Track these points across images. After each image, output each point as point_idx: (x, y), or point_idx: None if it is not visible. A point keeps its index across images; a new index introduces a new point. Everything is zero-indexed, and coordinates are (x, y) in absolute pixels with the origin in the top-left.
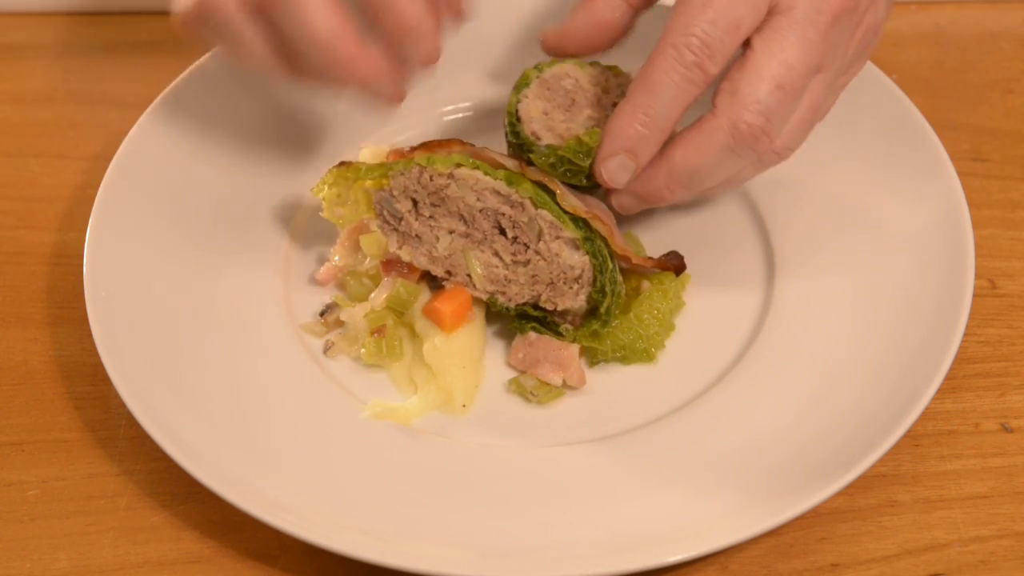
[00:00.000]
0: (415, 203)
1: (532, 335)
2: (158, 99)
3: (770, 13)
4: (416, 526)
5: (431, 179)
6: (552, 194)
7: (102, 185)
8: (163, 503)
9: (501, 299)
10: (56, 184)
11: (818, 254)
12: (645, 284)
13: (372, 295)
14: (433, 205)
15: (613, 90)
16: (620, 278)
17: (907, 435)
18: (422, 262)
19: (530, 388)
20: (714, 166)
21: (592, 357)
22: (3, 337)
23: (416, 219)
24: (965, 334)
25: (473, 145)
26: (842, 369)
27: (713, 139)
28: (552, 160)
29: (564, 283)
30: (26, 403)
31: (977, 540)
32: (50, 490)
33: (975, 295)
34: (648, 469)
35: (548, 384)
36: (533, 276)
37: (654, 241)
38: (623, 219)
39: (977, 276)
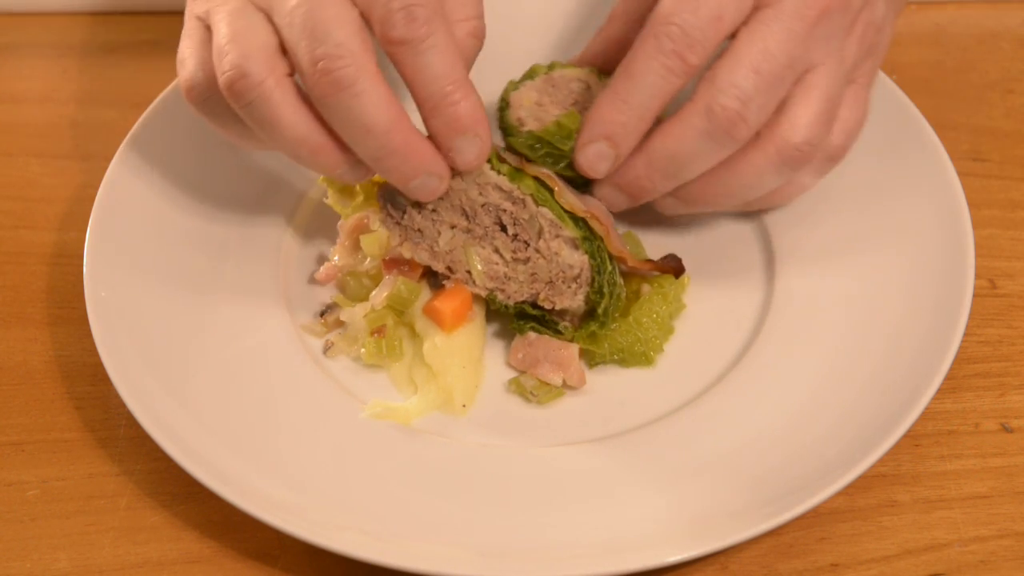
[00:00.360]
0: None
1: (532, 335)
2: (158, 99)
3: (757, 7)
4: (416, 526)
5: None
6: (551, 191)
7: (102, 185)
8: (163, 503)
9: (500, 296)
10: (56, 184)
11: (818, 254)
12: (645, 287)
13: (372, 294)
14: (436, 199)
15: None
16: (620, 280)
17: (907, 435)
18: (423, 257)
19: (530, 388)
20: (693, 152)
21: (591, 359)
22: (3, 337)
23: (419, 213)
24: (965, 334)
25: None
26: (842, 369)
27: (689, 123)
28: (530, 142)
29: (563, 282)
30: (26, 403)
31: (977, 540)
32: (50, 490)
33: (975, 295)
34: (648, 469)
35: (548, 384)
36: (532, 274)
37: (654, 241)
38: (624, 218)
39: (977, 276)
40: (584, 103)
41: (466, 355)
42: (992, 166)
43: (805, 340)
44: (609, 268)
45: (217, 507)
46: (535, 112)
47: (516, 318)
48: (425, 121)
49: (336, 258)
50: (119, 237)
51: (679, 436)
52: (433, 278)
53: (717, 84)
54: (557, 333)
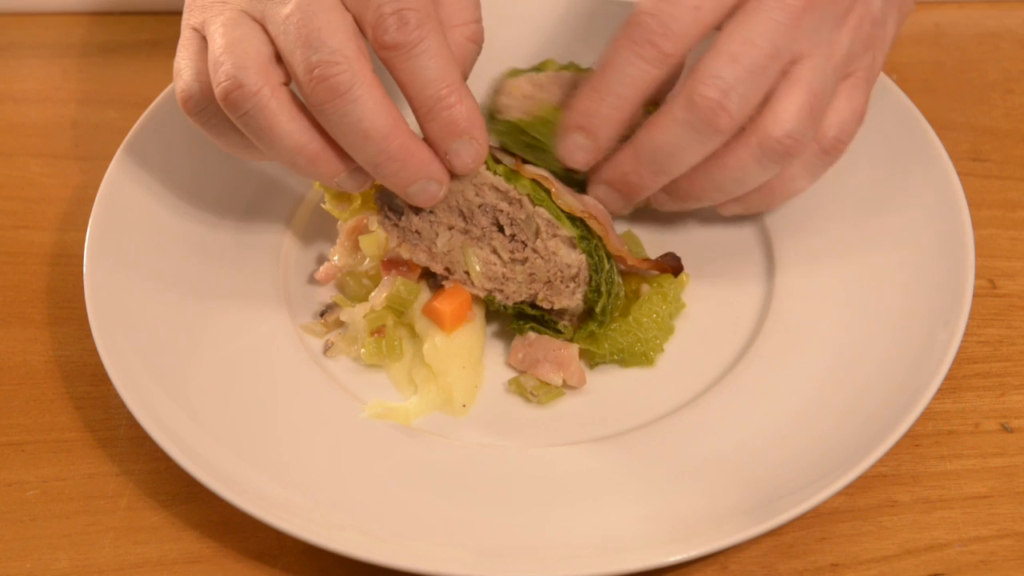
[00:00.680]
0: None
1: (532, 335)
2: (158, 99)
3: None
4: (416, 526)
5: None
6: (547, 192)
7: (102, 185)
8: (163, 503)
9: (499, 297)
10: (56, 184)
11: (818, 254)
12: (645, 287)
13: (372, 295)
14: (422, 206)
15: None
16: (618, 279)
17: (907, 435)
18: (421, 259)
19: (530, 388)
20: (677, 144)
21: (591, 359)
22: (3, 337)
23: (416, 214)
24: (965, 334)
25: None
26: (842, 369)
27: (672, 115)
28: (502, 128)
29: (561, 282)
30: (26, 403)
31: (977, 540)
32: (50, 490)
33: (975, 295)
34: (648, 469)
35: (548, 384)
36: (530, 274)
37: (654, 241)
38: (624, 217)
39: (977, 276)
40: None
41: (466, 355)
42: (992, 166)
43: (805, 340)
44: (607, 267)
45: (217, 507)
46: (521, 103)
47: (515, 318)
48: (421, 125)
49: (336, 258)
50: (119, 237)
51: (679, 436)
52: (432, 278)
53: (697, 75)
54: (556, 333)
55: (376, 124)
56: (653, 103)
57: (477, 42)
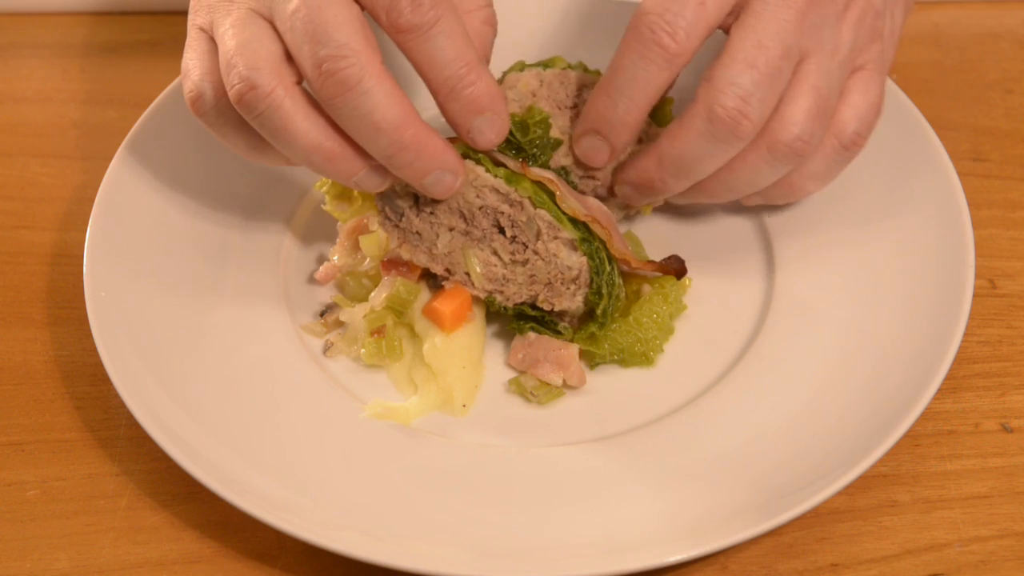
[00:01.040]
0: (416, 199)
1: (532, 335)
2: (159, 98)
3: (746, 1)
4: (416, 526)
5: None
6: (551, 195)
7: (102, 185)
8: (163, 503)
9: (499, 298)
10: (56, 184)
11: (818, 255)
12: (646, 288)
13: (372, 295)
14: (434, 201)
15: None
16: (619, 281)
17: (907, 435)
18: (422, 260)
19: (530, 388)
20: (700, 154)
21: (591, 359)
22: (3, 337)
23: (417, 215)
24: (965, 334)
25: None
26: (842, 369)
27: (693, 126)
28: None
29: (561, 283)
30: (26, 403)
31: (977, 540)
32: (50, 490)
33: (975, 295)
34: (648, 469)
35: (548, 384)
36: (531, 276)
37: (655, 242)
38: (625, 218)
39: (977, 276)
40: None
41: (466, 355)
42: (992, 166)
43: (805, 340)
44: (608, 269)
45: (217, 507)
46: (523, 99)
47: (515, 319)
48: (442, 106)
49: (336, 258)
50: (119, 237)
51: (679, 436)
52: (432, 279)
53: (716, 84)
54: (557, 334)
55: (387, 116)
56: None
57: (492, 25)
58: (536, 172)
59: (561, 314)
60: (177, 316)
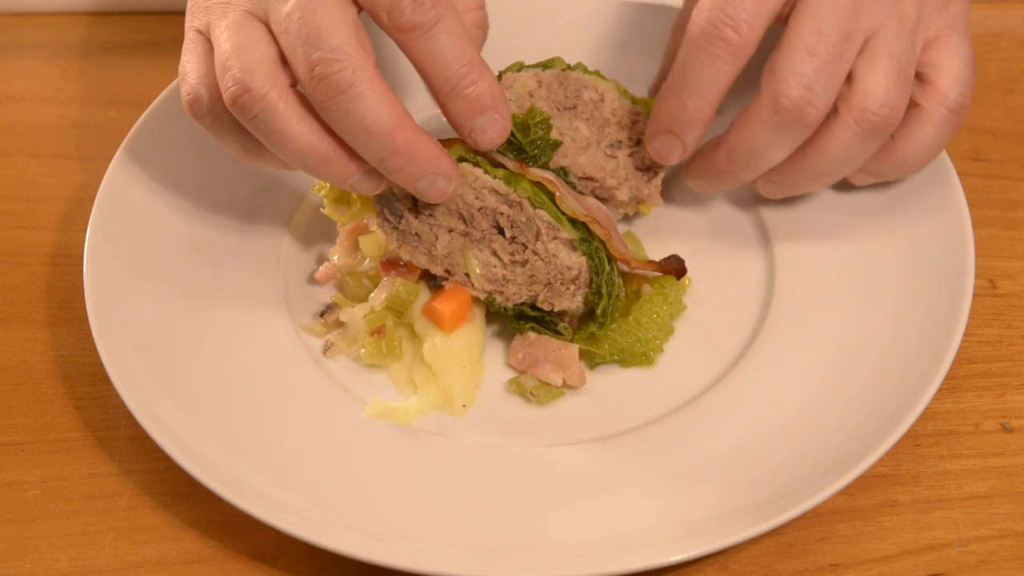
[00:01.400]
0: (415, 201)
1: (532, 335)
2: (158, 99)
3: None
4: (416, 526)
5: None
6: (551, 196)
7: (102, 185)
8: (163, 503)
9: (499, 299)
10: (56, 184)
11: (818, 254)
12: (646, 288)
13: (372, 295)
14: (432, 203)
15: (625, 130)
16: (619, 280)
17: (907, 435)
18: (421, 261)
19: (530, 388)
20: (767, 144)
21: (591, 359)
22: (3, 337)
23: (416, 217)
24: (965, 334)
25: None
26: (842, 369)
27: (759, 118)
28: None
29: (561, 284)
30: (26, 403)
31: (977, 540)
32: (50, 490)
33: (975, 295)
34: (648, 469)
35: (548, 384)
36: (531, 276)
37: (655, 242)
38: (624, 219)
39: (977, 276)
40: (583, 112)
41: (466, 355)
42: (992, 166)
43: (805, 340)
44: (607, 269)
45: (217, 507)
46: (520, 99)
47: (515, 319)
48: (443, 106)
49: (335, 258)
50: (119, 237)
51: (679, 436)
52: (432, 279)
53: (778, 75)
54: (556, 334)
55: (380, 119)
56: None
57: (483, 28)
58: (535, 173)
59: (561, 314)
60: (177, 316)
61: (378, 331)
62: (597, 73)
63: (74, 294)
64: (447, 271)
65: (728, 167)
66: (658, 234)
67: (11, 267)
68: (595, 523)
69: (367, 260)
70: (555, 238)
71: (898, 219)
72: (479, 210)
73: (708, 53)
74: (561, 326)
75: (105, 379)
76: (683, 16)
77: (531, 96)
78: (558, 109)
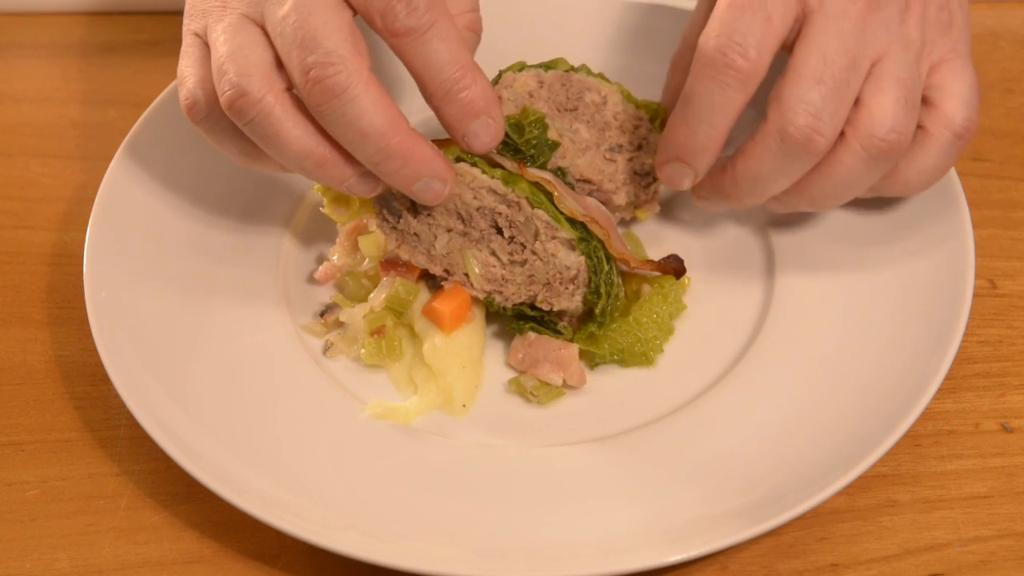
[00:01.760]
0: (414, 201)
1: (531, 335)
2: (158, 99)
3: (805, 14)
4: (415, 526)
5: None
6: (550, 195)
7: (102, 185)
8: (163, 503)
9: (498, 299)
10: (56, 184)
11: (818, 254)
12: (646, 287)
13: (371, 296)
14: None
15: (626, 135)
16: (618, 280)
17: (907, 435)
18: (420, 261)
19: (530, 388)
20: (773, 172)
21: (591, 359)
22: (3, 337)
23: (414, 217)
24: (965, 334)
25: None
26: (842, 369)
27: (766, 146)
28: None
29: (560, 284)
30: (26, 403)
31: (977, 540)
32: (50, 490)
33: (975, 295)
34: (648, 469)
35: (548, 384)
36: (530, 276)
37: (655, 242)
38: (624, 221)
39: (977, 276)
40: (584, 114)
41: (466, 355)
42: (992, 166)
43: (805, 340)
44: (606, 268)
45: (217, 507)
46: (519, 99)
47: (515, 319)
48: (437, 110)
49: (335, 258)
50: (119, 237)
51: (679, 436)
52: (431, 279)
53: (785, 103)
54: (556, 334)
55: (374, 122)
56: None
57: (476, 31)
58: (534, 173)
59: (560, 314)
60: (177, 316)
61: (378, 331)
62: (601, 76)
63: (74, 294)
64: (446, 271)
65: (735, 194)
66: (658, 234)
67: (11, 267)
68: (595, 523)
69: (367, 260)
70: (553, 238)
71: (898, 219)
72: (477, 210)
73: (717, 81)
74: (561, 326)
75: (105, 379)
76: (682, 50)
77: (531, 96)
78: (559, 110)
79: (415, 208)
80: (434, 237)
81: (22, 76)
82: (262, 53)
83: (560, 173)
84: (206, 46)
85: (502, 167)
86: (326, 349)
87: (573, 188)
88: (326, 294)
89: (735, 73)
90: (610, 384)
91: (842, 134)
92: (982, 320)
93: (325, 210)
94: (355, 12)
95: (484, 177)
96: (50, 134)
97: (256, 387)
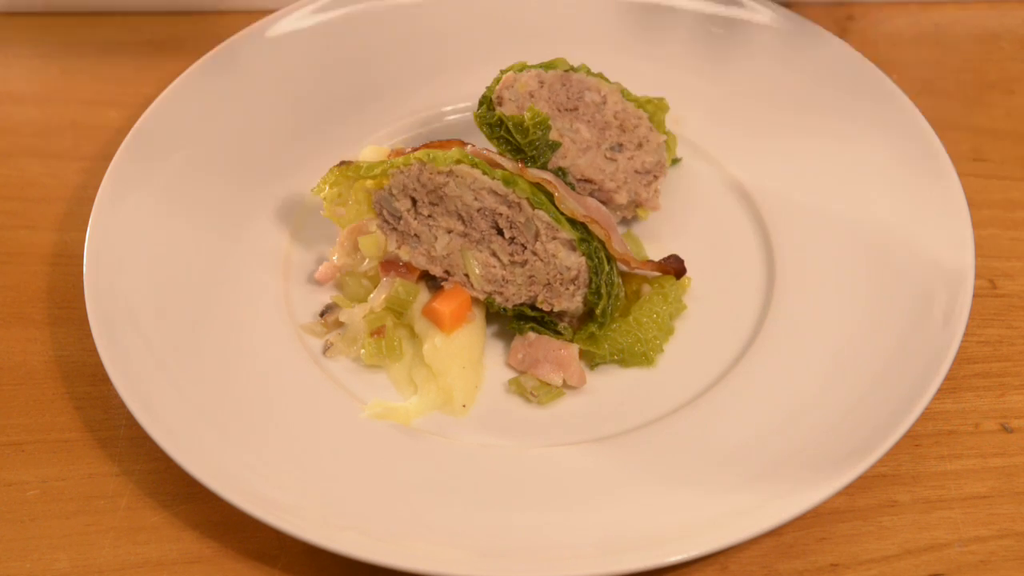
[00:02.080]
0: (414, 202)
1: (531, 335)
2: (158, 99)
3: None
4: (416, 526)
5: (430, 177)
6: (550, 196)
7: (102, 185)
8: (163, 503)
9: (498, 299)
10: (56, 184)
11: (818, 255)
12: (646, 288)
13: (371, 296)
14: (432, 204)
15: (627, 133)
16: (618, 280)
17: (907, 435)
18: (421, 261)
19: (530, 388)
20: None
21: (591, 359)
22: (3, 337)
23: (415, 218)
24: (965, 334)
25: (473, 145)
26: (842, 369)
27: None
28: (490, 120)
29: (560, 284)
30: (26, 403)
31: (977, 540)
32: (50, 490)
33: (975, 295)
34: (648, 469)
35: (548, 384)
36: (530, 277)
37: (655, 242)
38: (625, 220)
39: (977, 276)
40: (584, 114)
41: (466, 356)
42: (992, 166)
43: (805, 341)
44: (607, 269)
45: (217, 507)
46: (521, 99)
47: (515, 319)
48: None
49: (335, 258)
50: (119, 237)
51: (679, 436)
52: (431, 279)
53: None
54: (556, 334)
55: None
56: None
57: None
58: (534, 173)
59: (561, 314)
60: (177, 316)
61: (378, 331)
62: (601, 75)
63: (74, 294)
64: (446, 272)
65: None
66: (658, 234)
67: (11, 267)
68: (595, 523)
69: (367, 260)
70: (554, 238)
71: (899, 219)
72: (478, 211)
73: None
74: (561, 326)
75: (105, 379)
76: None
77: (532, 96)
78: (559, 110)
79: (416, 209)
80: (434, 238)
81: (22, 76)
82: None
83: (561, 173)
84: None
85: (502, 167)
86: (326, 349)
87: (574, 188)
88: (326, 294)
89: None
90: (610, 384)
91: None
92: (982, 320)
93: (324, 213)
94: None
95: (485, 178)
96: (50, 134)
97: (256, 387)
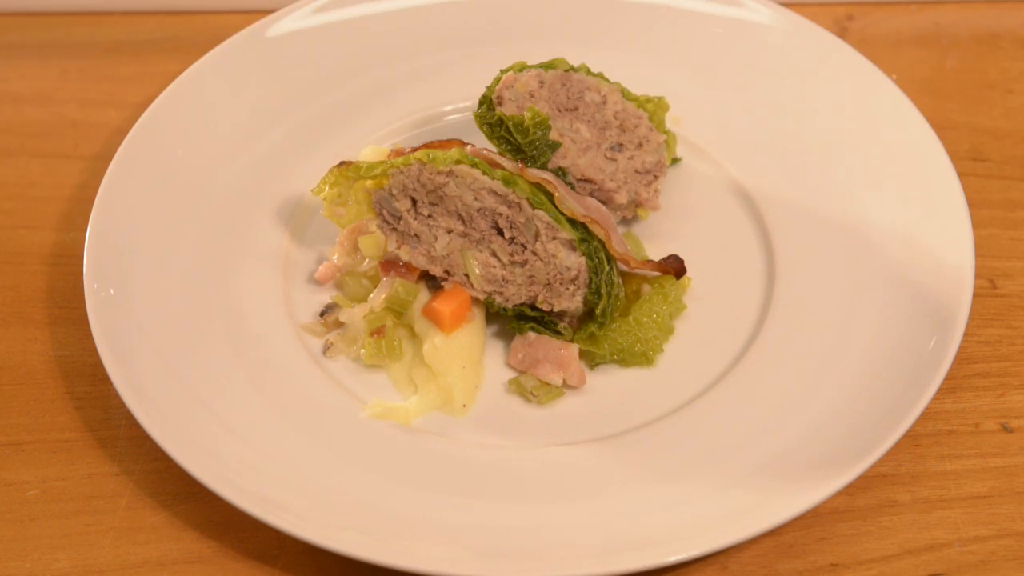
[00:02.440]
0: (414, 202)
1: (531, 335)
2: (158, 99)
3: None
4: (416, 526)
5: (430, 177)
6: (550, 196)
7: (102, 185)
8: (163, 503)
9: (499, 299)
10: (56, 184)
11: (818, 255)
12: (646, 287)
13: (371, 296)
14: (432, 204)
15: (627, 133)
16: (618, 280)
17: (907, 435)
18: (420, 261)
19: (530, 388)
20: None
21: (591, 359)
22: (3, 337)
23: (415, 218)
24: (965, 334)
25: (473, 145)
26: (842, 369)
27: None
28: (491, 120)
29: (560, 284)
30: (26, 403)
31: (977, 540)
32: (50, 490)
33: (975, 295)
34: (648, 469)
35: (548, 384)
36: (530, 277)
37: (655, 242)
38: (625, 220)
39: (977, 276)
40: (584, 114)
41: (466, 355)
42: (992, 166)
43: (804, 341)
44: (607, 269)
45: (217, 507)
46: (521, 99)
47: (515, 319)
48: None
49: (335, 258)
50: (119, 237)
51: (679, 436)
52: (431, 279)
53: None
54: (556, 334)
55: None
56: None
57: None
58: (534, 173)
59: (561, 314)
60: (177, 316)
61: (378, 331)
62: (601, 75)
63: (74, 294)
64: (446, 272)
65: None
66: (658, 234)
67: (11, 267)
68: (595, 523)
69: (367, 260)
70: (554, 238)
71: (898, 219)
72: (478, 211)
73: None
74: (561, 326)
75: (105, 379)
76: None
77: (532, 96)
78: (559, 110)
79: (416, 209)
80: (434, 238)
81: (22, 76)
82: None
83: (561, 173)
84: None
85: (502, 167)
86: (326, 349)
87: (574, 188)
88: (326, 294)
89: None
90: (610, 384)
91: None
92: (982, 320)
93: (324, 213)
94: None
95: (485, 178)
96: (50, 134)
97: (256, 387)
